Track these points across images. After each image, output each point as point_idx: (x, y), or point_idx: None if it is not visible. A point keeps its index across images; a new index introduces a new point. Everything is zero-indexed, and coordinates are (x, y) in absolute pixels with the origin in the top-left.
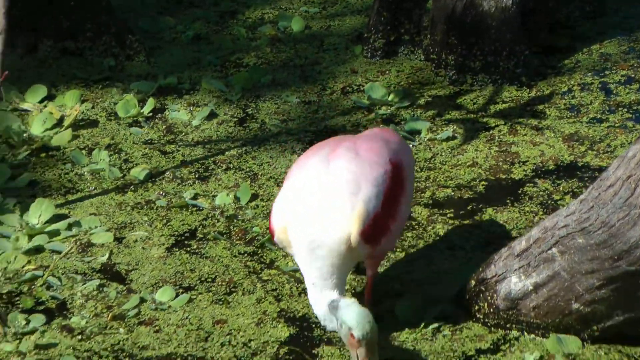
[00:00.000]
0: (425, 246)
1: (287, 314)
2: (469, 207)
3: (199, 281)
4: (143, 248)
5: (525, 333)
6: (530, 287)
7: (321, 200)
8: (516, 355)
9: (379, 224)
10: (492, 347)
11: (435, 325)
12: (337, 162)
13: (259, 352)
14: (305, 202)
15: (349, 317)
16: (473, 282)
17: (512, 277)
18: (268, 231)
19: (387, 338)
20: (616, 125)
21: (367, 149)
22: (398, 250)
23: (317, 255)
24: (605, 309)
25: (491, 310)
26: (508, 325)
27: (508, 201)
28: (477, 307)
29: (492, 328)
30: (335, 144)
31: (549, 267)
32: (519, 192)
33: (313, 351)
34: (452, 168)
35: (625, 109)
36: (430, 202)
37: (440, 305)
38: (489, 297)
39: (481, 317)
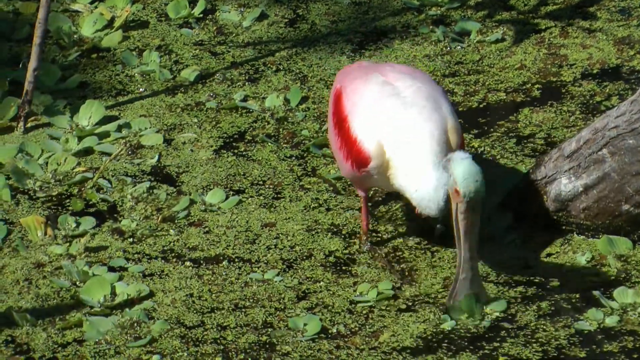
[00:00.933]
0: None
1: (334, 224)
2: (514, 110)
3: (249, 184)
4: (192, 150)
5: (575, 234)
6: (580, 189)
7: (410, 116)
8: (569, 257)
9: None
10: (543, 248)
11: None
12: (402, 83)
13: (305, 257)
14: (397, 119)
15: (458, 170)
16: (522, 184)
17: (562, 179)
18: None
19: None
20: None
21: (407, 72)
22: None
23: (425, 164)
24: None
25: (541, 212)
26: (558, 227)
27: (551, 103)
28: (527, 209)
29: (542, 229)
30: (373, 70)
31: (599, 168)
32: (563, 93)
33: (356, 262)
34: (500, 71)
35: None
36: (481, 106)
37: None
38: (539, 199)
39: (531, 219)
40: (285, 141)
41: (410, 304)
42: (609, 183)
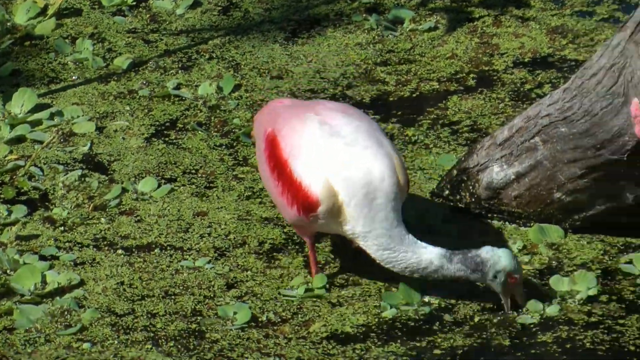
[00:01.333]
0: (401, 143)
1: (268, 215)
2: (445, 98)
3: (180, 173)
4: (123, 138)
5: (507, 223)
6: (513, 176)
7: (355, 155)
8: (499, 245)
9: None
10: (479, 237)
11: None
12: (339, 121)
13: (238, 245)
14: (343, 159)
15: (504, 262)
16: (455, 172)
17: (494, 167)
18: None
19: None
20: (603, 17)
21: (340, 109)
22: None
23: (377, 206)
24: (587, 198)
25: (473, 199)
26: (490, 215)
27: (483, 90)
28: (458, 197)
29: (474, 218)
30: (304, 110)
31: (531, 156)
32: (494, 81)
33: (291, 247)
34: (431, 60)
35: (612, 0)
36: (414, 95)
37: None
38: (470, 187)
39: (463, 207)
40: (216, 129)
41: (343, 300)
42: (541, 171)
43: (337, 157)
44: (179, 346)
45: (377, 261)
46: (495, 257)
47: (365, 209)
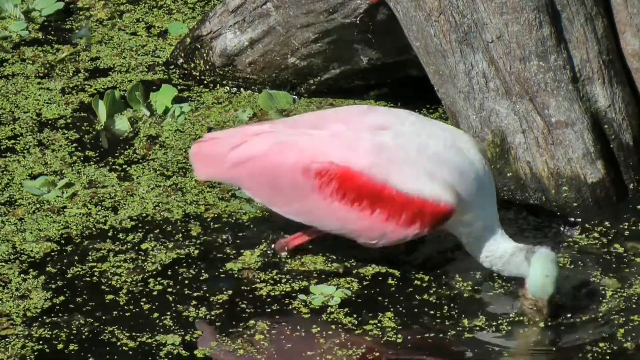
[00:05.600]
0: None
1: None
2: None
3: None
4: None
5: (242, 90)
6: (246, 43)
7: (443, 153)
8: (230, 115)
9: None
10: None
11: None
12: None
13: None
14: (439, 160)
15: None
16: (188, 40)
17: (227, 34)
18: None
19: None
20: None
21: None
22: None
23: (487, 194)
24: (321, 62)
25: (207, 67)
26: (225, 82)
27: None
28: (193, 65)
29: (210, 86)
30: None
31: (264, 22)
32: None
33: None
34: None
35: None
36: None
37: None
38: (204, 55)
39: (197, 75)
40: None
41: None
42: (274, 37)
43: (432, 161)
44: None
45: (475, 256)
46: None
47: (480, 200)
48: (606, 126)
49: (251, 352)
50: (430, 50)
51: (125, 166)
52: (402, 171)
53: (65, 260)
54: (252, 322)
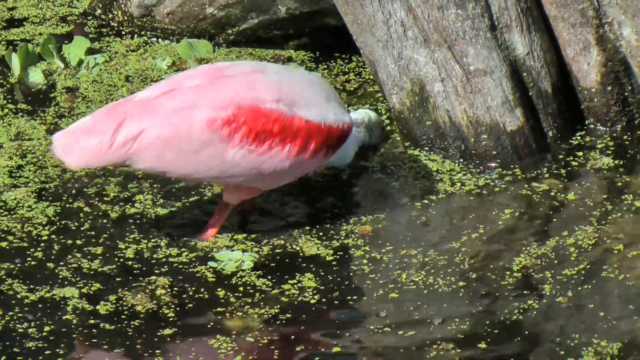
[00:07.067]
0: None
1: None
2: None
3: None
4: None
5: (160, 40)
6: None
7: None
8: (149, 63)
9: None
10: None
11: None
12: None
13: None
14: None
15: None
16: None
17: None
18: None
19: None
20: None
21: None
22: None
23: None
24: (239, 12)
25: (125, 18)
26: (143, 33)
27: None
28: (111, 16)
29: (126, 37)
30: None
31: None
32: None
33: None
34: None
35: None
36: None
37: None
38: (122, 5)
39: (115, 25)
40: None
41: None
42: None
43: (315, 89)
44: None
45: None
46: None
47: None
48: (525, 74)
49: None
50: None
51: (56, 119)
52: (303, 101)
53: None
54: (154, 279)
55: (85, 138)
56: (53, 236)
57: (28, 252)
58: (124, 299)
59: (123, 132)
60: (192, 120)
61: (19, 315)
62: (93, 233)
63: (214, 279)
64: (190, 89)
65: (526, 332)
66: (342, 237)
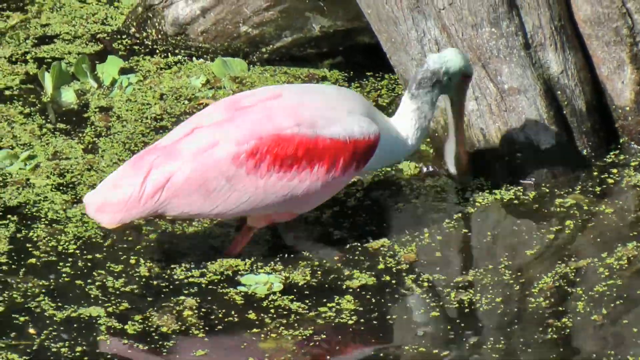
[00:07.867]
0: None
1: None
2: None
3: None
4: None
5: (195, 59)
6: (198, 11)
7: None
8: (183, 81)
9: None
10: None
11: None
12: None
13: None
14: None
15: (455, 62)
16: (140, 9)
17: (179, 2)
18: None
19: None
20: None
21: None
22: None
23: None
24: (273, 30)
25: (159, 36)
26: (177, 52)
27: None
28: (145, 35)
29: (159, 55)
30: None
31: None
32: None
33: None
34: None
35: None
36: None
37: None
38: (157, 24)
39: (150, 44)
40: None
41: None
42: (226, 5)
43: (337, 102)
44: None
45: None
46: (445, 61)
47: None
48: (559, 92)
49: (183, 331)
50: (382, 18)
51: (94, 138)
52: (325, 120)
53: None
54: (182, 299)
55: (114, 195)
56: (77, 252)
57: (58, 268)
58: (150, 319)
59: (150, 182)
60: (217, 157)
61: (53, 334)
62: (120, 253)
63: (242, 302)
64: (210, 127)
65: (561, 350)
66: (382, 259)
